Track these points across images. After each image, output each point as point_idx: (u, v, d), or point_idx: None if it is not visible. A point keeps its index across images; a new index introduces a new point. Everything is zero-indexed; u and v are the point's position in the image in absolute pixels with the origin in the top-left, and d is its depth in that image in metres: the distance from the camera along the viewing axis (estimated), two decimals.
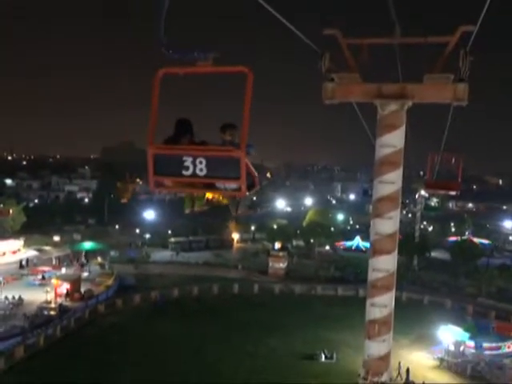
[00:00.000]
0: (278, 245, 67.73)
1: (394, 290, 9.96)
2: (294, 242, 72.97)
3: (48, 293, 43.02)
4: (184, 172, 4.46)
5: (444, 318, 38.75)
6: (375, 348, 9.79)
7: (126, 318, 40.99)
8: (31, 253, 61.95)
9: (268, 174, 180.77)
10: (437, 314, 41.33)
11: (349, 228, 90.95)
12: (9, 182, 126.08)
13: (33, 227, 71.60)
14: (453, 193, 22.67)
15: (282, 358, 33.24)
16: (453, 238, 76.78)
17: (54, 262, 57.25)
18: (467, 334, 34.72)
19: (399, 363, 29.62)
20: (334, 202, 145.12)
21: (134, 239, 72.93)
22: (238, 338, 36.45)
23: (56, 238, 69.09)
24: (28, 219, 72.19)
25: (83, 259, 58.07)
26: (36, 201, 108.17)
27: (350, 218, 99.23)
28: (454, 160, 19.42)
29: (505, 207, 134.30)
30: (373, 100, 9.88)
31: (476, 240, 72.25)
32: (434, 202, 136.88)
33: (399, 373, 29.16)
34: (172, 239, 71.42)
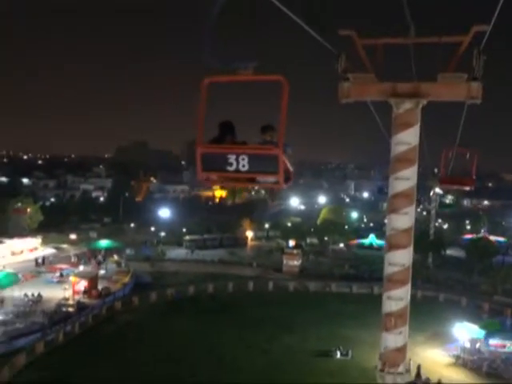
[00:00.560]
0: (292, 242, 68.05)
1: (409, 284, 10.16)
2: (308, 240, 73.14)
3: (66, 290, 43.71)
4: (228, 168, 5.05)
5: (459, 315, 38.55)
6: (392, 340, 10.01)
7: (142, 315, 41.49)
8: (49, 251, 62.97)
9: None
10: (452, 311, 41.23)
11: (363, 226, 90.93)
12: (25, 181, 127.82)
13: (49, 226, 72.82)
14: (467, 188, 22.61)
15: (297, 355, 33.25)
16: (468, 236, 76.43)
17: (72, 260, 58.10)
18: (483, 332, 34.45)
19: (409, 360, 29.12)
20: (347, 200, 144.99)
21: (149, 237, 73.48)
22: (252, 334, 36.61)
23: (72, 237, 70.21)
24: (45, 218, 73.39)
25: (100, 257, 58.79)
26: (52, 199, 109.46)
27: (364, 216, 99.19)
28: (468, 155, 19.37)
29: None
30: (388, 99, 10.05)
31: (491, 238, 71.77)
32: (448, 199, 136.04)
33: (418, 373, 28.68)
34: (187, 237, 71.97)
